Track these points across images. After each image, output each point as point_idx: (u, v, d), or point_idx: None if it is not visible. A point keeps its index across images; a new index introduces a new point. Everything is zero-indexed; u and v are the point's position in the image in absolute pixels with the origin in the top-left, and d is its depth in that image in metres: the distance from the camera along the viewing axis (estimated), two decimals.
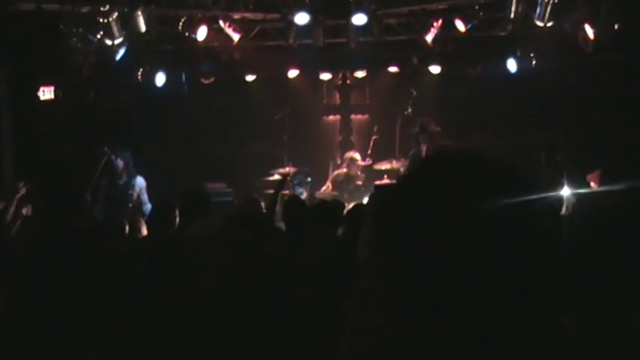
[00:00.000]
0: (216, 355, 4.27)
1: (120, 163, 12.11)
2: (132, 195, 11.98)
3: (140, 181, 12.12)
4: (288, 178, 13.49)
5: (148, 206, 11.54)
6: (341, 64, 15.46)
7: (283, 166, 13.84)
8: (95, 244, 6.73)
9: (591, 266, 4.20)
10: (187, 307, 4.76)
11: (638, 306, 3.84)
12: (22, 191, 10.50)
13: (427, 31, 13.21)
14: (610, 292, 4.01)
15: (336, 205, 7.46)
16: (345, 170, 13.91)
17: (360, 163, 13.92)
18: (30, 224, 8.89)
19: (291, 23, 13.15)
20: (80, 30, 11.75)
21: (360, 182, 13.66)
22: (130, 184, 12.05)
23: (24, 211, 10.27)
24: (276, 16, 13.49)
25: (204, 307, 4.65)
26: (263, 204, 9.39)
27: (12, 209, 9.87)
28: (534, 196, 1.45)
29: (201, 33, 12.87)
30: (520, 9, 12.03)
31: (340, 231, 6.81)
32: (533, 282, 1.40)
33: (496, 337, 1.40)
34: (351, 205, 8.24)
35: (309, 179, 13.83)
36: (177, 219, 7.43)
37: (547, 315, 1.46)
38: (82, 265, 5.95)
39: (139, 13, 11.74)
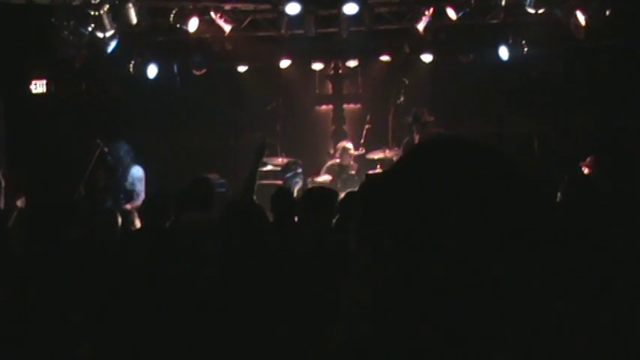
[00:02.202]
0: (210, 344, 4.28)
1: (114, 154, 12.11)
2: (125, 186, 11.97)
3: (136, 172, 12.08)
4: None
5: (141, 198, 11.55)
6: (333, 53, 15.44)
7: (276, 157, 13.83)
8: (88, 236, 6.75)
9: (585, 252, 4.22)
10: (181, 296, 4.77)
11: (630, 292, 3.86)
12: (3, 182, 10.49)
13: (419, 19, 13.20)
14: (603, 278, 4.03)
15: (329, 192, 7.44)
16: (338, 160, 13.91)
17: (353, 152, 13.92)
18: (25, 216, 8.89)
19: (283, 13, 13.13)
20: (71, 23, 11.70)
21: (353, 172, 13.64)
22: (124, 176, 12.05)
23: (18, 203, 10.26)
24: (268, 6, 13.47)
25: (197, 296, 4.66)
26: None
27: (1, 201, 9.87)
28: (526, 183, 1.45)
29: (193, 24, 12.84)
30: None
31: (333, 219, 6.81)
32: (524, 268, 1.40)
33: (487, 323, 1.41)
34: (343, 194, 8.21)
35: (300, 170, 13.80)
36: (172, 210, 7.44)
37: (540, 300, 1.47)
38: (75, 257, 5.96)
39: (130, 5, 11.70)
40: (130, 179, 12.00)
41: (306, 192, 7.64)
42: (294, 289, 4.74)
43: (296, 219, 7.45)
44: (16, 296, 5.42)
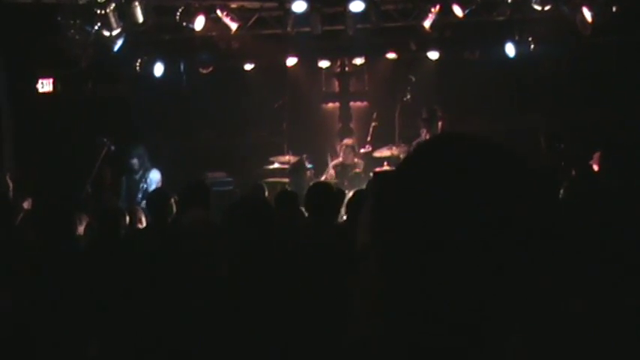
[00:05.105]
0: (217, 341, 4.28)
1: (135, 161, 12.26)
2: (144, 188, 12.09)
3: (153, 175, 12.25)
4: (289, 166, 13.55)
5: None
6: (339, 51, 15.46)
7: (283, 154, 13.84)
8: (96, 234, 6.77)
9: (591, 247, 4.21)
10: (187, 293, 4.78)
11: (637, 286, 3.85)
12: (11, 184, 10.59)
13: (425, 16, 13.20)
14: (610, 273, 4.02)
15: (333, 190, 7.41)
16: (341, 159, 13.85)
17: (356, 149, 13.88)
18: (31, 217, 8.91)
19: (289, 11, 13.15)
20: (78, 22, 11.73)
21: (359, 169, 13.61)
22: (143, 178, 12.19)
23: (25, 204, 10.30)
24: (274, 4, 13.50)
25: (205, 293, 4.67)
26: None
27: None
28: (532, 181, 1.45)
29: (199, 22, 12.85)
30: None
31: (342, 218, 6.81)
32: (533, 265, 1.40)
33: (496, 322, 1.41)
34: (351, 193, 8.17)
35: (310, 166, 13.77)
36: (174, 209, 7.46)
37: (549, 297, 1.47)
38: (82, 255, 5.97)
39: (136, 3, 11.72)
40: (148, 181, 12.14)
41: (309, 189, 7.57)
42: (302, 287, 4.74)
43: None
44: (21, 295, 5.44)
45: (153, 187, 12.11)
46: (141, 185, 12.17)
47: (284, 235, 6.33)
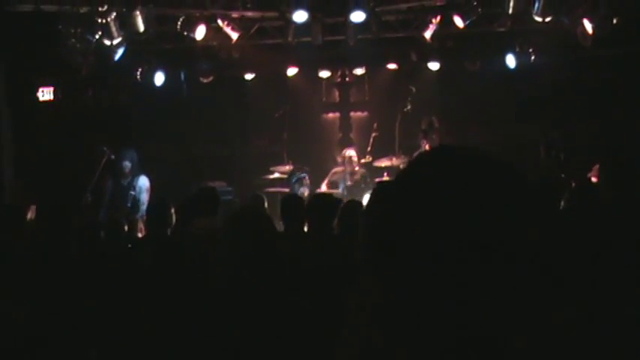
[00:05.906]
0: (217, 350, 4.28)
1: (127, 164, 12.20)
2: (132, 195, 12.03)
3: (142, 182, 12.19)
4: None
5: (144, 208, 11.60)
6: (340, 61, 15.46)
7: (283, 164, 13.84)
8: (95, 243, 6.76)
9: (589, 257, 4.21)
10: (189, 303, 4.77)
11: (635, 296, 3.85)
12: (32, 213, 10.65)
13: (426, 27, 13.21)
14: (609, 282, 4.02)
15: (332, 199, 7.44)
16: (342, 168, 13.84)
17: (356, 159, 13.82)
18: (34, 227, 8.92)
19: (290, 21, 13.15)
20: (79, 30, 11.73)
21: (357, 177, 13.59)
22: (131, 185, 12.13)
23: (29, 214, 10.32)
24: (275, 14, 13.49)
25: (206, 303, 4.66)
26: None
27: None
28: (530, 194, 1.45)
29: (200, 32, 12.87)
30: (518, 4, 12.02)
31: (335, 228, 6.81)
32: (530, 276, 1.40)
33: (494, 334, 1.40)
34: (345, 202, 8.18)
35: (304, 175, 13.75)
36: (174, 218, 7.44)
37: (546, 306, 1.47)
38: (82, 264, 5.97)
39: (138, 12, 11.73)
40: (137, 189, 12.09)
41: (310, 200, 7.64)
42: (301, 297, 4.74)
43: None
44: (21, 301, 5.43)
45: (143, 194, 12.08)
46: (129, 192, 12.12)
47: (285, 246, 6.33)
